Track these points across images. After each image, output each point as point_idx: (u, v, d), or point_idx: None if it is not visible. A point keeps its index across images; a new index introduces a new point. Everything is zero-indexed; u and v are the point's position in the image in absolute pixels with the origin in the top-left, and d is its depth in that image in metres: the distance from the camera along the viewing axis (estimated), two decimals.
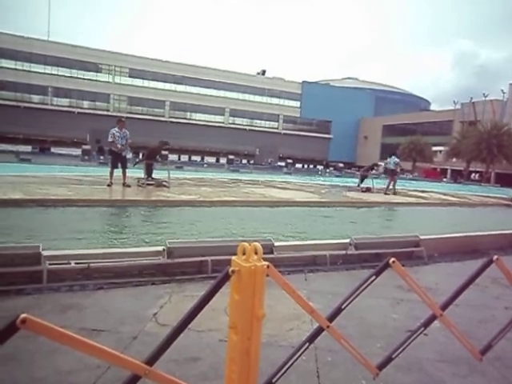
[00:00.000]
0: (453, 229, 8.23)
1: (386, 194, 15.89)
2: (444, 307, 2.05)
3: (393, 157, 16.92)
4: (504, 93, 54.49)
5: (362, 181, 17.67)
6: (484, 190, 26.82)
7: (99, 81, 60.56)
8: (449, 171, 54.32)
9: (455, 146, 50.51)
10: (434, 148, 56.50)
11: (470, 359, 2.32)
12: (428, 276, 4.94)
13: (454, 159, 52.47)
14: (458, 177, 47.77)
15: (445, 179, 45.68)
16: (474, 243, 6.59)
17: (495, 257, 2.09)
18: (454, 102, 61.12)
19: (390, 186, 16.42)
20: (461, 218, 12.49)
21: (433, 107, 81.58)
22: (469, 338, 2.18)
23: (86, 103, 60.16)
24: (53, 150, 48.72)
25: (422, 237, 5.86)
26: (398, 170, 16.95)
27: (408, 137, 57.46)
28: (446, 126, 60.88)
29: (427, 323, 2.07)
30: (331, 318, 1.77)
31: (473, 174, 52.02)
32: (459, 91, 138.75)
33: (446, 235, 6.71)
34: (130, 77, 62.27)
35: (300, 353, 1.77)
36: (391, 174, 16.54)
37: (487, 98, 55.31)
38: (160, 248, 4.37)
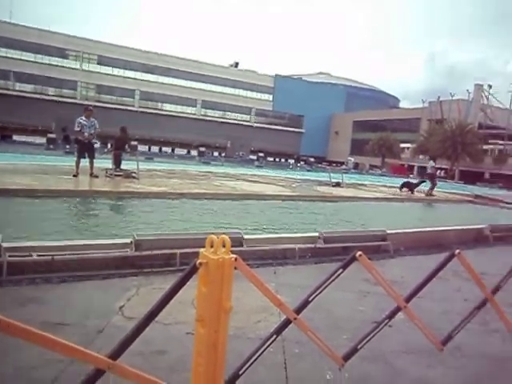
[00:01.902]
0: (418, 223, 8.47)
1: (431, 195, 16.64)
2: (408, 299, 2.10)
3: (430, 161, 18.48)
4: (469, 93, 56.55)
5: (408, 188, 17.43)
6: (448, 186, 27.71)
7: (66, 67, 58.45)
8: (416, 168, 55.85)
9: (422, 144, 51.99)
10: (402, 145, 57.98)
11: (432, 349, 2.40)
12: (394, 269, 5.06)
13: (421, 156, 53.98)
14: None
15: (411, 175, 46.89)
16: (438, 238, 6.81)
17: (457, 251, 2.17)
18: (423, 100, 62.98)
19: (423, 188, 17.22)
20: (426, 213, 12.87)
21: (402, 105, 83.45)
22: (431, 329, 2.26)
23: (51, 90, 57.90)
24: (15, 137, 46.82)
25: (388, 231, 6.01)
26: (434, 172, 17.94)
27: (378, 133, 58.74)
28: (415, 124, 62.52)
29: (391, 315, 2.13)
30: (298, 311, 1.78)
31: (438, 171, 53.67)
32: (428, 90, 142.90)
33: (411, 230, 6.90)
34: (98, 64, 60.49)
35: (267, 345, 1.77)
36: (430, 177, 17.48)
37: (454, 98, 57.16)
38: (128, 240, 4.28)
